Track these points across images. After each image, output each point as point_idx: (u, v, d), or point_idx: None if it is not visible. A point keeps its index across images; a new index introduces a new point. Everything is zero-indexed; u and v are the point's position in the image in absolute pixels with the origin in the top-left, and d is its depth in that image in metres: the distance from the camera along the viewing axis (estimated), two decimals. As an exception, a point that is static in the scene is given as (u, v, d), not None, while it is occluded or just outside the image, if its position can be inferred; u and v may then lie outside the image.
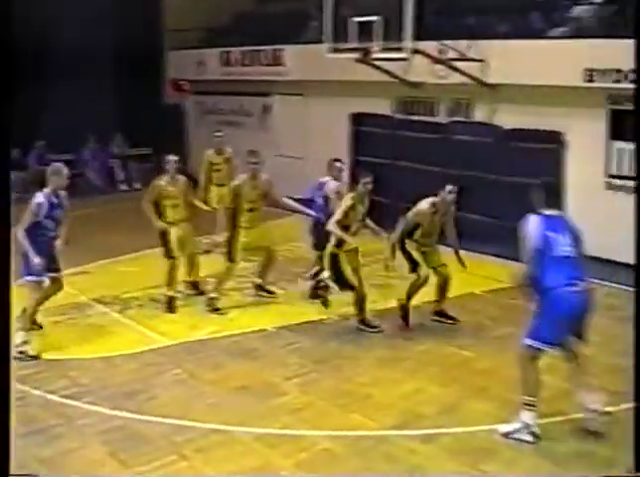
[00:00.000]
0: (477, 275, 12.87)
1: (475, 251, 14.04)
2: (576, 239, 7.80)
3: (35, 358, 9.22)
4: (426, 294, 11.44)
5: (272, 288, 12.01)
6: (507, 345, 9.74)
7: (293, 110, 20.08)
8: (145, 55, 21.59)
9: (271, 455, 7.02)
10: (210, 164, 14.83)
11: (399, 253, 10.39)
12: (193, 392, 8.47)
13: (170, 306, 11.21)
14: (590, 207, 13.64)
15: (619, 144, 13.39)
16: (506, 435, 7.35)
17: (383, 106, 17.43)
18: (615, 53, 12.51)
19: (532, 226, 7.82)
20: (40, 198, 9.32)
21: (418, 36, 13.66)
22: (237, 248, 11.28)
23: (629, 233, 11.78)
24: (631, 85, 12.32)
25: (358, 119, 17.97)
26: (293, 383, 8.67)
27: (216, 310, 11.17)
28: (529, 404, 7.46)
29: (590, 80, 12.90)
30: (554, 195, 8.23)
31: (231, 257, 11.37)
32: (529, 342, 7.53)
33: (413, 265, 10.42)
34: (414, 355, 9.43)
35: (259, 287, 11.87)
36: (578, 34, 13.65)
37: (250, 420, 7.65)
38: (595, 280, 12.26)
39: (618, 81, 12.56)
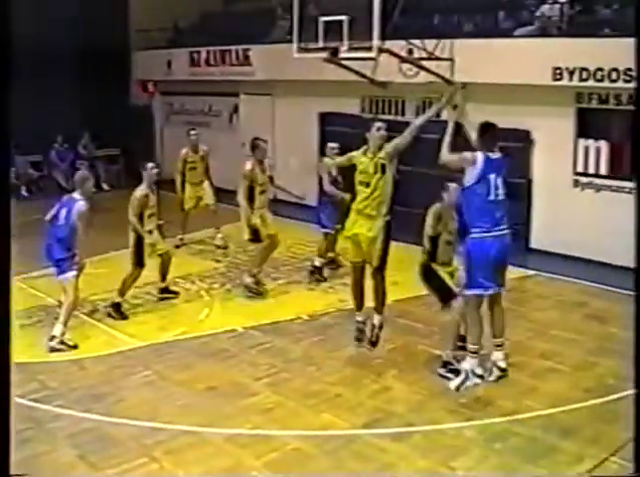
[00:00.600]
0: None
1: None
2: (504, 183, 7.91)
3: (74, 347, 9.58)
4: (396, 293, 11.53)
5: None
6: (476, 342, 9.80)
7: (261, 110, 20.07)
8: (112, 55, 21.48)
9: (242, 456, 7.01)
10: (185, 162, 14.81)
11: None
12: (162, 393, 8.44)
13: (120, 312, 11.08)
14: (558, 204, 13.79)
15: (586, 142, 13.51)
16: (457, 389, 7.89)
17: (351, 106, 17.47)
18: (582, 51, 12.64)
19: (476, 162, 7.98)
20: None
21: (386, 35, 13.67)
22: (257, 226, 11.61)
23: (596, 230, 11.99)
24: (598, 84, 12.49)
25: (326, 119, 17.99)
26: (263, 383, 8.67)
27: (258, 294, 11.69)
28: (474, 352, 7.92)
29: (558, 79, 12.99)
30: (494, 134, 8.50)
31: (259, 238, 11.72)
32: (468, 292, 7.88)
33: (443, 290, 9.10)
34: (384, 354, 9.43)
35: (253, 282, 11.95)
36: (545, 33, 13.75)
37: (221, 421, 7.64)
38: (564, 277, 12.49)
39: (585, 80, 12.66)
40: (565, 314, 10.99)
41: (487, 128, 8.39)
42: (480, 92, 14.50)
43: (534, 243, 14.34)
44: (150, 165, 11.63)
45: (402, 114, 16.73)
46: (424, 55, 14.55)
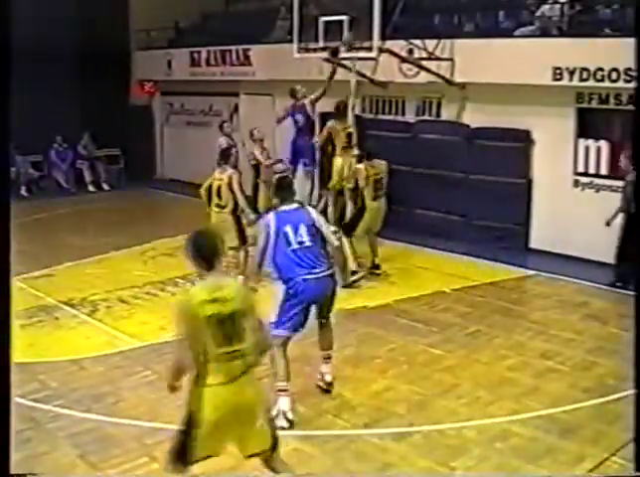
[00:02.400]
0: (446, 273, 12.97)
1: (443, 250, 14.15)
2: (315, 228, 7.96)
3: None
4: (396, 293, 11.56)
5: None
6: (476, 342, 9.84)
7: (261, 110, 20.05)
8: (112, 55, 21.47)
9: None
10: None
11: None
12: (162, 393, 8.37)
13: None
14: (558, 204, 13.78)
15: (586, 142, 13.51)
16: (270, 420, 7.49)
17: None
18: (582, 51, 12.64)
19: (268, 223, 7.90)
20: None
21: (386, 35, 13.69)
22: None
23: (596, 230, 11.98)
24: (598, 84, 12.49)
25: (326, 119, 17.96)
26: (263, 382, 8.64)
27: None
28: (282, 390, 7.79)
29: (558, 79, 12.99)
30: (287, 189, 8.25)
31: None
32: (274, 332, 7.74)
33: None
34: (384, 354, 9.44)
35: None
36: (545, 33, 13.75)
37: (221, 421, 7.63)
38: (564, 277, 12.49)
39: (586, 80, 12.66)
40: (566, 314, 10.98)
41: (279, 183, 8.41)
42: (480, 92, 14.57)
43: (534, 243, 14.34)
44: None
45: (403, 114, 16.70)
46: (424, 55, 14.59)
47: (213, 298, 5.33)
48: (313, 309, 8.09)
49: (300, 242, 7.87)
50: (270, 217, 7.97)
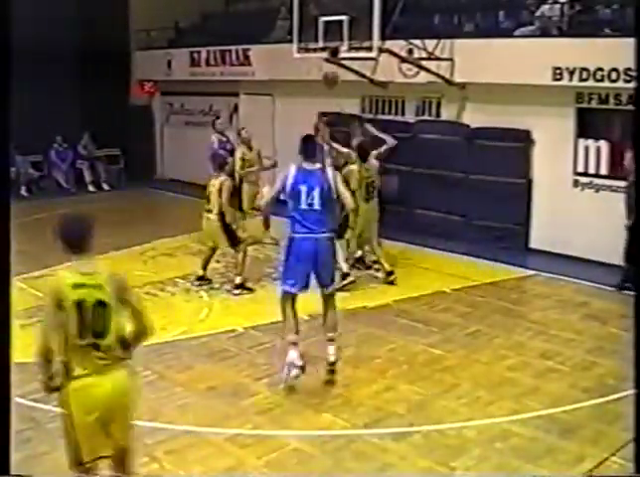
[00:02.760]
0: (446, 273, 12.97)
1: (443, 250, 14.15)
2: (327, 193, 8.31)
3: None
4: (395, 293, 11.56)
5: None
6: (476, 342, 9.84)
7: (261, 110, 20.07)
8: (112, 55, 21.47)
9: (242, 456, 7.01)
10: (243, 161, 14.62)
11: None
12: (163, 393, 8.43)
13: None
14: (558, 204, 13.78)
15: (586, 142, 13.51)
16: (285, 381, 8.34)
17: (351, 106, 17.46)
18: (582, 51, 12.64)
19: (288, 175, 8.33)
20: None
21: (386, 35, 13.69)
22: None
23: (596, 230, 11.98)
24: (598, 84, 12.49)
25: (326, 119, 17.96)
26: (263, 383, 8.66)
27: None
28: (291, 343, 8.36)
29: (558, 79, 12.99)
30: (312, 148, 8.62)
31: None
32: (279, 287, 8.56)
33: None
34: (384, 354, 9.44)
35: None
36: (545, 33, 13.75)
37: (221, 421, 7.64)
38: (564, 277, 12.49)
39: (585, 80, 12.66)
40: (565, 314, 10.98)
41: (305, 141, 8.67)
42: (480, 92, 14.57)
43: (534, 243, 14.35)
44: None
45: (403, 114, 16.71)
46: (424, 55, 14.59)
47: (80, 283, 5.18)
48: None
49: (310, 204, 8.25)
50: (292, 170, 8.35)
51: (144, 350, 9.63)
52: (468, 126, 15.10)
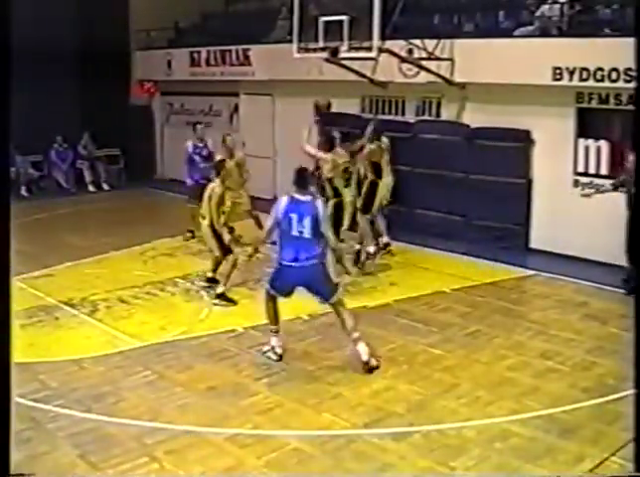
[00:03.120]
0: (446, 273, 12.97)
1: (443, 250, 14.16)
2: (317, 223, 8.84)
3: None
4: (395, 293, 11.56)
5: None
6: (476, 342, 9.84)
7: (261, 110, 20.08)
8: (112, 55, 21.46)
9: (242, 455, 7.01)
10: None
11: None
12: (163, 393, 8.44)
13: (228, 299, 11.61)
14: (558, 204, 13.78)
15: (586, 142, 13.51)
16: (263, 353, 9.29)
17: (351, 106, 17.47)
18: (582, 51, 12.64)
19: (280, 205, 8.92)
20: None
21: (386, 35, 13.69)
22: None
23: (596, 229, 11.99)
24: (598, 84, 12.49)
25: (326, 119, 17.96)
26: (263, 383, 8.66)
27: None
28: (273, 332, 9.31)
29: (558, 79, 12.99)
30: (304, 179, 9.09)
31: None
32: (266, 286, 9.32)
33: None
34: (383, 353, 9.43)
35: None
36: (545, 33, 13.75)
37: (221, 421, 7.65)
38: (564, 277, 12.49)
39: (585, 80, 12.66)
40: (565, 314, 10.99)
41: (299, 173, 9.17)
42: (480, 92, 14.58)
43: (534, 243, 14.35)
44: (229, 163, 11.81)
45: (403, 114, 16.71)
46: (424, 55, 14.59)
47: None
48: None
49: (300, 232, 8.80)
50: (284, 199, 8.91)
51: (144, 350, 9.70)
52: (468, 126, 15.10)
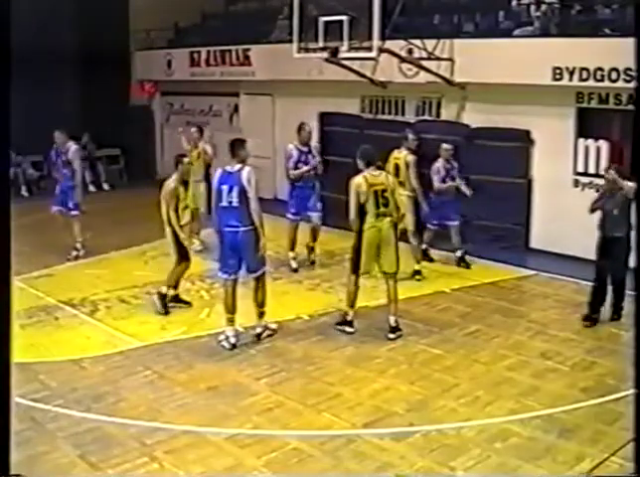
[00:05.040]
0: (446, 273, 12.98)
1: (443, 250, 14.15)
2: (243, 192, 9.40)
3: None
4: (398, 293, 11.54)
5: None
6: (476, 342, 9.85)
7: (261, 110, 20.08)
8: (112, 55, 21.45)
9: (242, 455, 7.01)
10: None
11: None
12: (163, 393, 8.44)
13: (164, 304, 11.16)
14: (558, 204, 13.78)
15: (586, 142, 13.52)
16: (218, 342, 9.70)
17: (351, 106, 17.48)
18: (582, 51, 12.64)
19: (214, 178, 9.76)
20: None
21: (386, 35, 13.69)
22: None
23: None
24: (598, 84, 12.49)
25: (326, 119, 17.99)
26: (263, 383, 8.67)
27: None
28: (229, 320, 9.74)
29: (558, 79, 12.99)
30: (235, 149, 9.64)
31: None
32: (218, 273, 9.90)
33: None
34: (383, 353, 9.45)
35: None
36: (545, 33, 13.75)
37: (221, 421, 7.65)
38: (564, 277, 12.49)
39: (585, 80, 12.66)
40: (565, 314, 10.99)
41: (232, 142, 9.86)
42: (480, 92, 14.58)
43: (534, 243, 14.36)
44: (186, 159, 11.49)
45: (402, 114, 16.71)
46: (424, 55, 14.59)
47: None
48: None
49: (229, 202, 9.44)
50: (217, 173, 9.66)
51: (144, 350, 9.71)
52: (468, 126, 15.10)
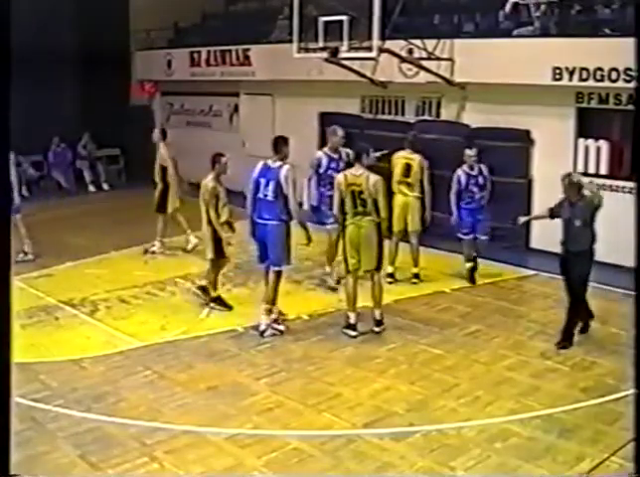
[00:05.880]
0: (446, 273, 12.98)
1: (443, 249, 14.14)
2: (279, 188, 9.93)
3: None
4: (396, 293, 11.56)
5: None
6: (476, 342, 9.85)
7: (261, 110, 20.08)
8: (112, 55, 21.43)
9: (242, 455, 7.01)
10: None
11: None
12: (163, 393, 8.44)
13: (224, 304, 11.30)
14: (558, 204, 13.74)
15: (586, 142, 13.52)
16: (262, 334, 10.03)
17: (351, 106, 17.48)
18: (582, 51, 12.64)
19: (254, 170, 10.24)
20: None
21: (386, 35, 13.70)
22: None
23: (596, 229, 11.96)
24: (598, 84, 12.49)
25: (326, 119, 17.98)
26: (263, 383, 8.67)
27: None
28: (267, 310, 10.13)
29: (558, 79, 12.99)
30: (278, 145, 10.30)
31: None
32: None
33: None
34: (383, 353, 9.45)
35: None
36: (545, 33, 13.75)
37: (221, 421, 7.65)
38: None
39: (585, 80, 12.66)
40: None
41: (277, 138, 10.47)
42: (480, 92, 14.58)
43: (534, 243, 14.35)
44: (223, 159, 11.33)
45: (402, 114, 16.71)
46: (424, 55, 14.60)
47: None
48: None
49: (265, 195, 9.97)
50: (258, 165, 10.23)
51: (144, 350, 9.71)
52: (468, 126, 15.10)
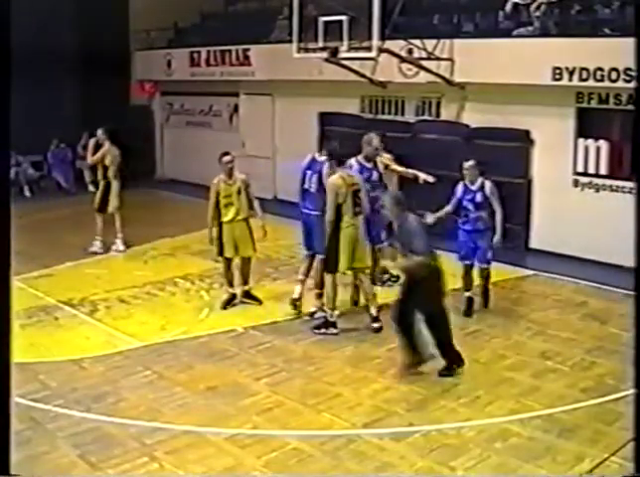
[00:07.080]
0: (446, 273, 12.94)
1: (443, 250, 14.12)
2: (321, 181, 10.35)
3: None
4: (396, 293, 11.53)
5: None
6: (475, 342, 9.84)
7: (261, 110, 20.08)
8: (112, 55, 21.43)
9: (242, 455, 7.01)
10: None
11: None
12: (163, 393, 8.43)
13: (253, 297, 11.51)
14: (557, 204, 13.78)
15: (586, 142, 13.52)
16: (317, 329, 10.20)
17: (351, 106, 17.48)
18: (582, 51, 12.64)
19: (303, 162, 10.79)
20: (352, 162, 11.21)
21: (386, 35, 13.70)
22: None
23: (596, 229, 12.00)
24: (598, 84, 12.49)
25: (326, 119, 18.00)
26: (263, 383, 8.66)
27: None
28: (317, 295, 10.70)
29: (558, 79, 12.99)
30: (326, 142, 11.21)
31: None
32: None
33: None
34: (383, 353, 9.44)
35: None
36: (545, 33, 13.75)
37: (221, 421, 7.65)
38: (564, 277, 12.49)
39: (585, 80, 12.66)
40: (565, 314, 10.99)
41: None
42: (480, 92, 14.58)
43: (533, 243, 14.36)
44: (226, 158, 11.13)
45: (402, 114, 16.71)
46: (424, 55, 14.60)
47: None
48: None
49: (309, 186, 10.55)
50: (307, 158, 10.81)
51: (144, 350, 9.70)
52: (468, 126, 15.10)
